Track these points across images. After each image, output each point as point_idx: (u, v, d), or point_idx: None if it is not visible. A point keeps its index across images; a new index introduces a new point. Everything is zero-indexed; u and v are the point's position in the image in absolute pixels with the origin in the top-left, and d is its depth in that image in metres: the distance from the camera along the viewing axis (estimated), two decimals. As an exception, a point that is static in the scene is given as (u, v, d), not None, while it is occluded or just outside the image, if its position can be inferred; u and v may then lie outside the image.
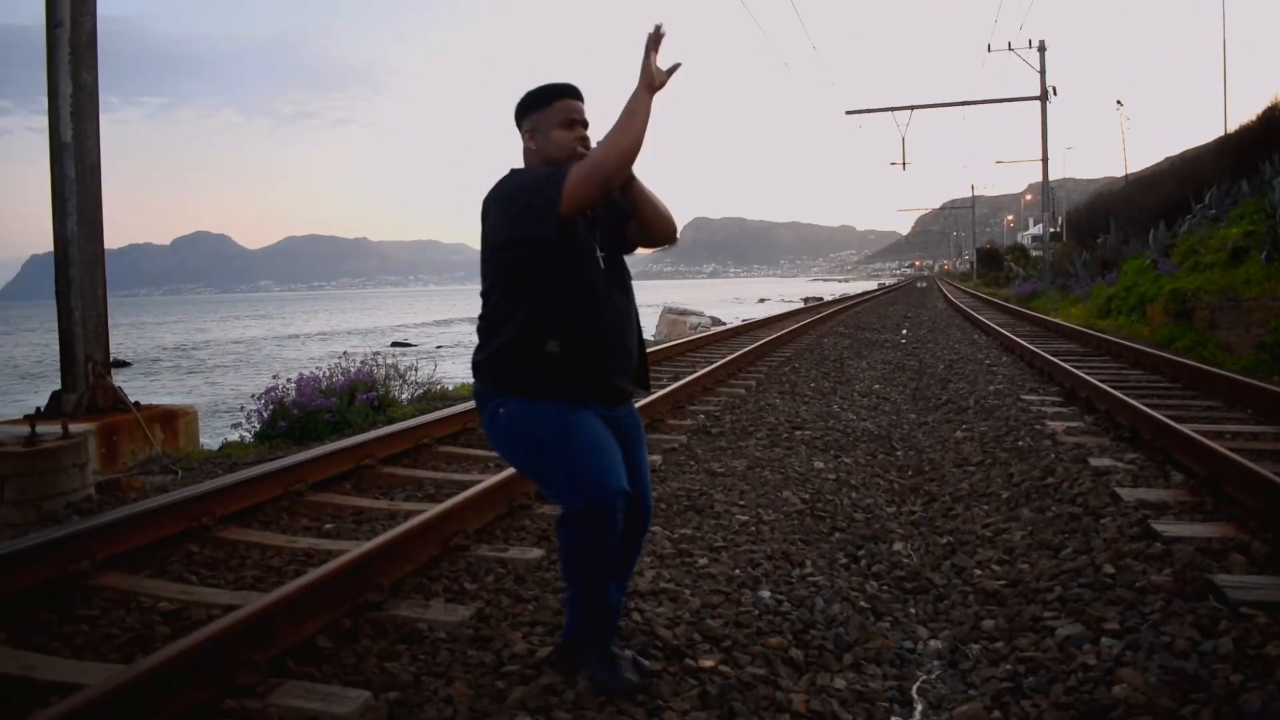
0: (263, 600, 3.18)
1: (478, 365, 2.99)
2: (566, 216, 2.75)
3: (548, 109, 2.94)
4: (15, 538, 4.57)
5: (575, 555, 2.88)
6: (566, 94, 2.96)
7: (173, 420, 8.74)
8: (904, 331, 20.62)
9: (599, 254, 2.97)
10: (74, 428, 6.69)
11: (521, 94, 2.99)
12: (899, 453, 7.58)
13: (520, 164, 3.02)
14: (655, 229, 3.03)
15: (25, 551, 3.78)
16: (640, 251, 3.21)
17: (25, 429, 6.41)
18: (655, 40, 2.74)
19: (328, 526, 4.88)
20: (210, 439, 10.18)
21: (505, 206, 2.84)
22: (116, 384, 8.68)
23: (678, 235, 3.14)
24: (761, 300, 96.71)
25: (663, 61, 2.79)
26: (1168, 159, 45.80)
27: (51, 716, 2.42)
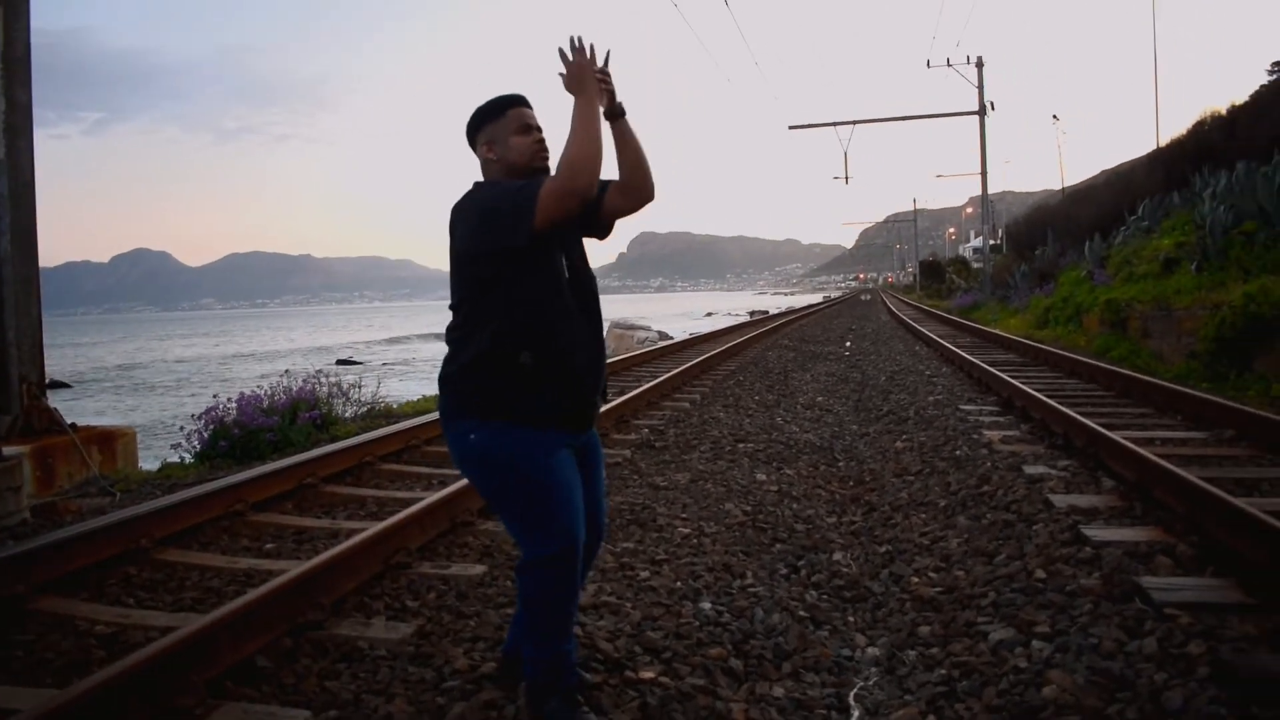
0: (201, 621, 3.17)
1: (446, 378, 2.93)
2: (541, 230, 2.73)
3: (502, 119, 2.95)
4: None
5: (543, 601, 2.85)
6: (517, 103, 2.98)
7: (111, 441, 8.61)
8: (848, 344, 20.83)
9: (563, 264, 2.92)
10: (7, 450, 6.58)
11: (472, 111, 3.01)
12: (840, 464, 7.67)
13: (480, 177, 3.00)
14: (635, 177, 2.94)
15: (-44, 577, 3.73)
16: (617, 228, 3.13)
17: (-43, 452, 6.30)
18: (579, 56, 2.82)
19: (269, 546, 4.85)
20: (149, 460, 10.05)
21: (477, 218, 2.83)
22: (52, 405, 8.55)
23: (654, 192, 3.04)
24: (708, 314, 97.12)
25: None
26: (1103, 172, 46.83)
27: (-16, 743, 2.40)
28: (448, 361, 2.95)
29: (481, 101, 3.02)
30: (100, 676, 2.76)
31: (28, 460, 7.24)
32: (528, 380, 2.80)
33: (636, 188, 2.96)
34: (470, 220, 2.84)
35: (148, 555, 4.54)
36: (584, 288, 2.99)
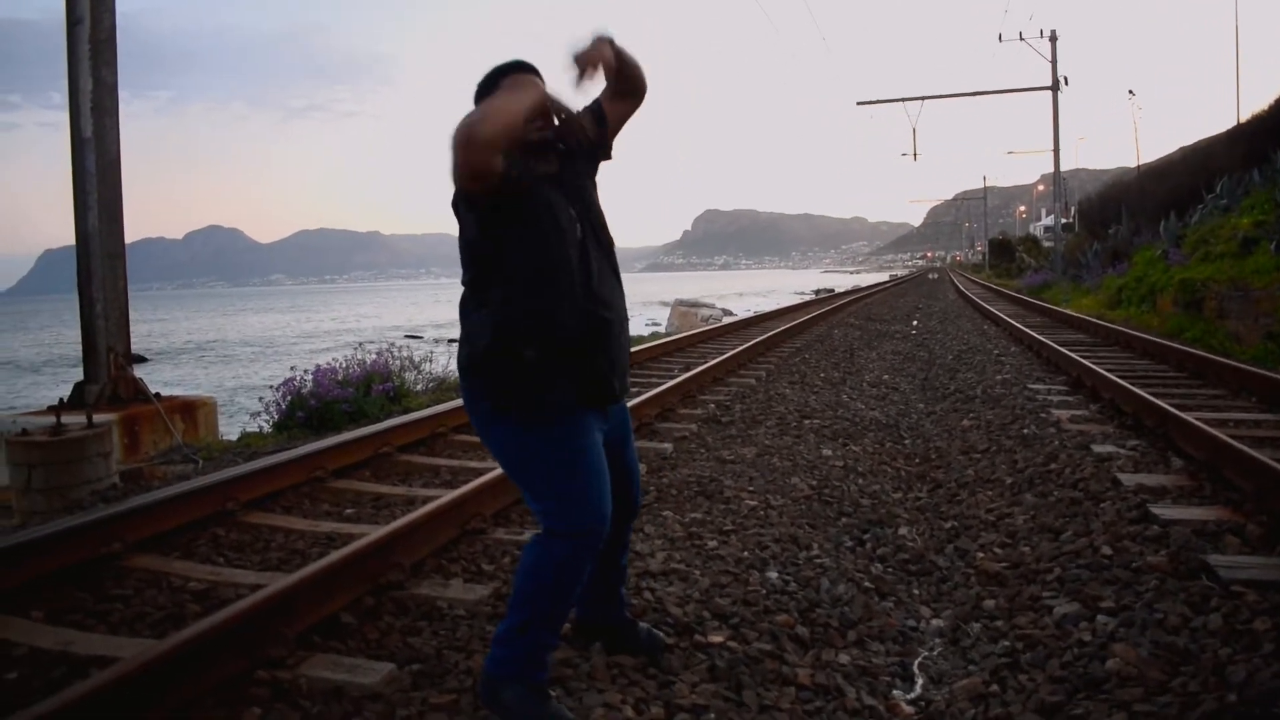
0: (290, 578, 3.32)
1: (462, 368, 2.80)
2: (464, 188, 2.59)
3: (495, 91, 2.72)
4: (46, 523, 4.73)
5: (552, 577, 2.72)
6: (510, 71, 2.78)
7: (192, 411, 8.91)
8: (914, 322, 20.69)
9: (571, 217, 2.74)
10: (98, 418, 6.86)
11: (482, 76, 2.83)
12: (906, 441, 7.69)
13: None
14: (628, 77, 2.85)
15: (61, 534, 3.93)
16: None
17: (51, 419, 6.58)
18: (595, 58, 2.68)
19: (348, 511, 5.03)
20: (228, 429, 10.35)
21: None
22: (137, 375, 8.85)
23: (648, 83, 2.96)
24: (772, 292, 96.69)
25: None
26: (1180, 149, 45.65)
27: (93, 686, 2.56)
28: (461, 344, 2.81)
29: (494, 65, 2.83)
30: (198, 628, 2.92)
31: (116, 427, 7.53)
32: (537, 375, 2.66)
33: (630, 88, 2.90)
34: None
35: (234, 517, 4.74)
36: (601, 247, 2.82)
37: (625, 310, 2.94)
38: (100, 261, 8.58)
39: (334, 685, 2.88)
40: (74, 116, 8.57)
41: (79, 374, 8.84)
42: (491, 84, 2.76)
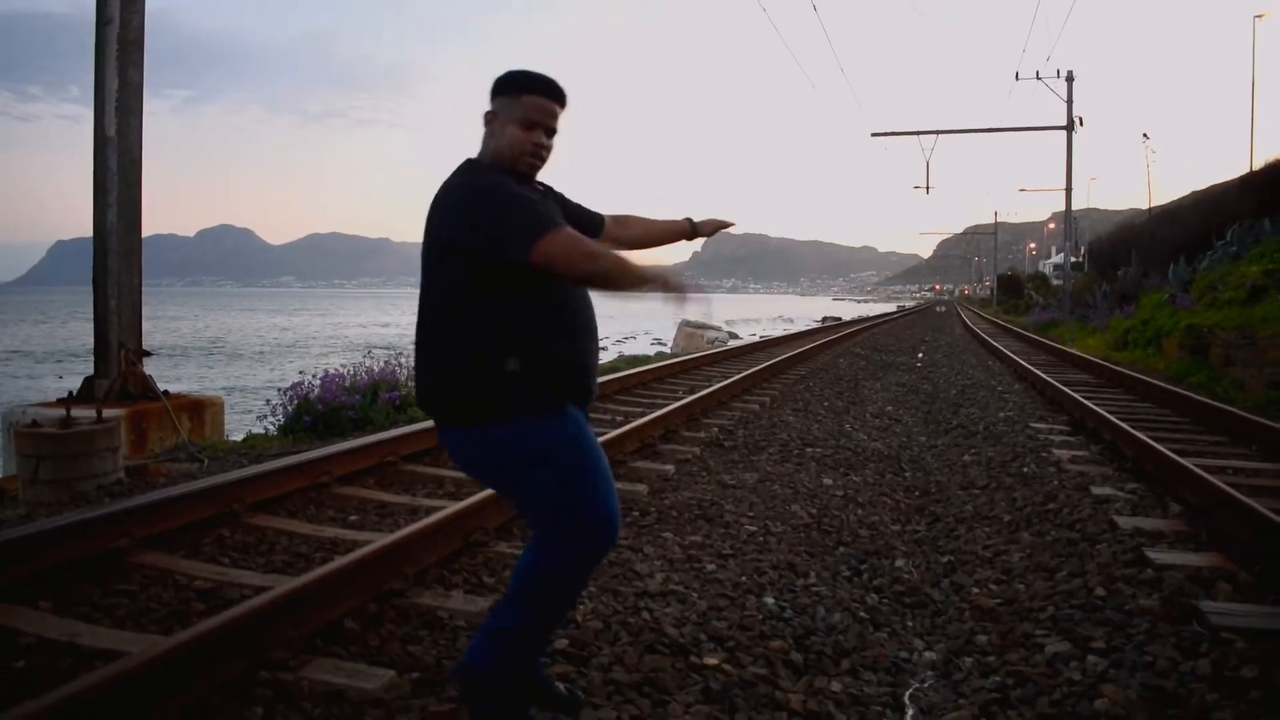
0: (295, 582, 3.39)
1: (433, 389, 2.65)
2: (535, 267, 2.43)
3: (515, 100, 2.61)
4: (53, 515, 4.80)
5: (561, 577, 2.63)
6: (540, 90, 2.63)
7: (200, 410, 8.97)
8: (920, 355, 20.74)
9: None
10: (106, 413, 6.93)
11: (501, 73, 2.69)
12: (907, 473, 7.73)
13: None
14: (631, 242, 3.04)
15: (70, 527, 4.00)
16: None
17: (61, 412, 6.64)
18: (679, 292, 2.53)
19: (353, 518, 5.09)
20: (233, 430, 10.41)
21: (477, 214, 2.47)
22: (146, 372, 8.93)
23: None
24: (779, 318, 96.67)
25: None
26: (1192, 193, 45.80)
27: (101, 679, 2.61)
28: (428, 369, 2.66)
29: (518, 69, 2.68)
30: (204, 625, 2.97)
31: (124, 423, 7.60)
32: (522, 383, 2.55)
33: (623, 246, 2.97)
34: (470, 215, 2.48)
35: (239, 519, 4.80)
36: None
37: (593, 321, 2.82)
38: (116, 258, 8.67)
39: (335, 689, 2.94)
40: (98, 114, 8.67)
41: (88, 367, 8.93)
42: (514, 88, 2.62)
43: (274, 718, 2.77)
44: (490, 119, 2.66)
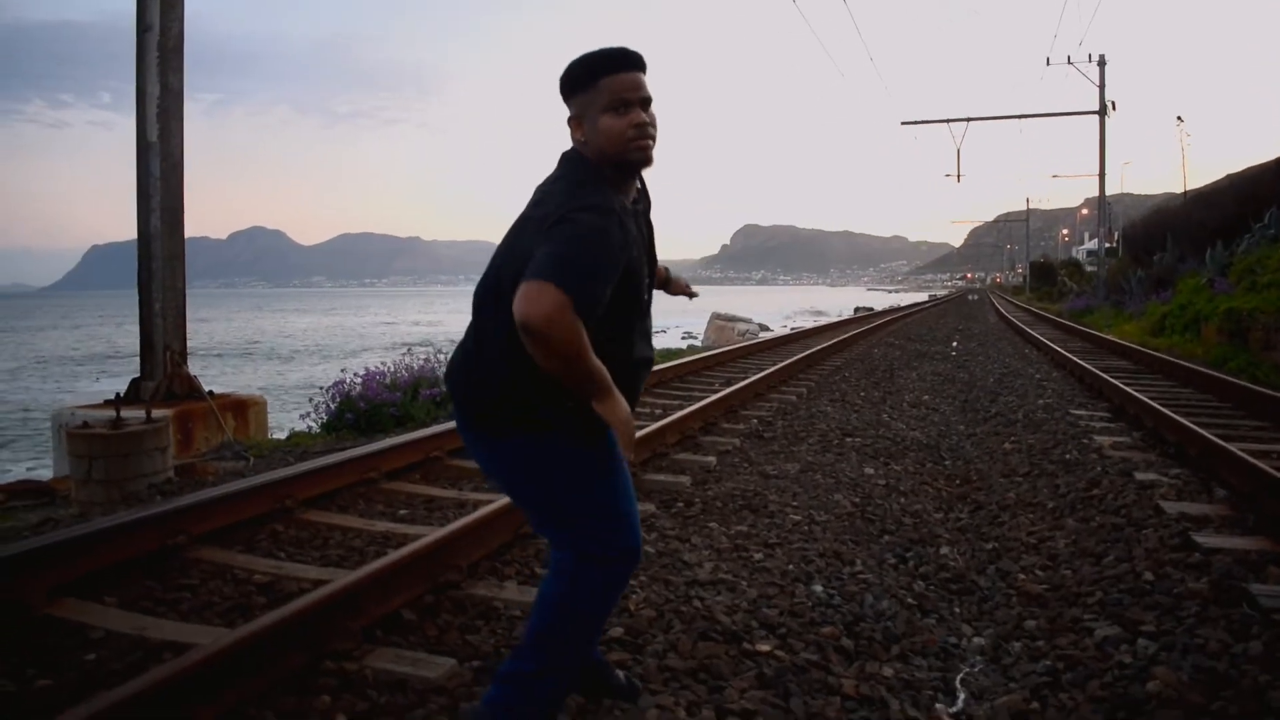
0: (354, 575, 3.46)
1: (472, 388, 2.54)
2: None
3: (593, 88, 2.38)
4: (106, 515, 4.91)
5: (588, 608, 2.53)
6: (616, 65, 2.37)
7: (244, 409, 9.12)
8: (954, 344, 20.66)
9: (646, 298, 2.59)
10: (154, 413, 7.06)
11: (564, 68, 2.44)
12: (947, 462, 7.74)
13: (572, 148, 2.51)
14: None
15: (130, 524, 4.09)
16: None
17: (110, 413, 6.78)
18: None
19: (402, 512, 5.17)
20: (274, 428, 10.55)
21: (564, 247, 2.23)
22: (191, 373, 9.07)
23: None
24: (811, 309, 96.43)
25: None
26: (1228, 176, 45.24)
27: (173, 670, 2.68)
28: (466, 368, 2.56)
29: (579, 57, 2.42)
30: (270, 618, 3.05)
31: (170, 423, 7.74)
32: (555, 395, 2.39)
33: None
34: (560, 246, 2.23)
35: (292, 515, 4.89)
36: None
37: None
38: (161, 263, 8.82)
39: (398, 677, 3.01)
40: (140, 121, 8.82)
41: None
42: (587, 76, 2.39)
43: (340, 705, 2.83)
44: (575, 124, 2.44)
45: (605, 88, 2.35)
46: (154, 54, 8.70)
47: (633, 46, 2.40)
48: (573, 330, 2.17)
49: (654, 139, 2.41)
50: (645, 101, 2.38)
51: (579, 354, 2.20)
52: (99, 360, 46.17)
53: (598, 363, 2.26)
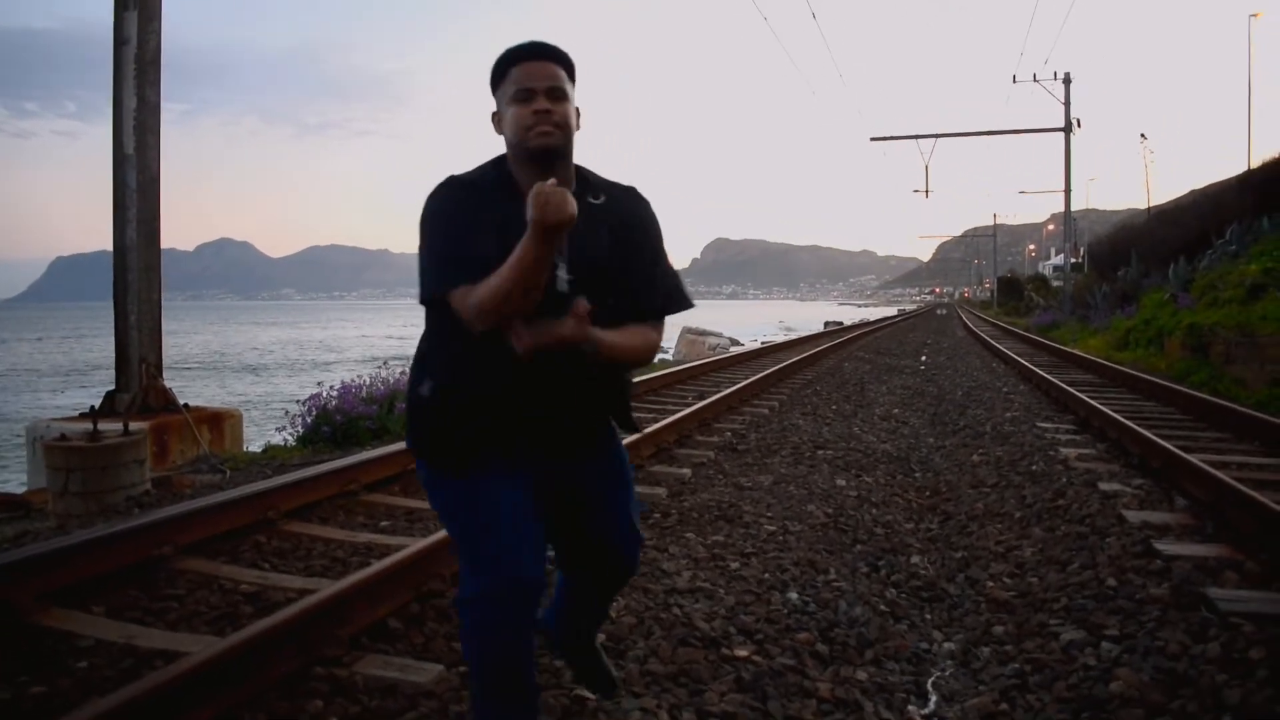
0: (341, 584, 3.53)
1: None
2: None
3: (505, 80, 2.31)
4: (85, 527, 4.95)
5: (470, 654, 2.43)
6: (525, 56, 2.30)
7: (219, 422, 9.13)
8: (923, 358, 20.90)
9: (563, 277, 2.27)
10: (132, 426, 7.08)
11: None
12: (917, 474, 7.89)
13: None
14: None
15: (116, 535, 4.14)
16: None
17: (86, 426, 6.79)
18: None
19: (384, 524, 5.24)
20: (249, 442, 10.56)
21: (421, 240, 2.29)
22: (167, 385, 9.08)
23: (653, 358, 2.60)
24: (781, 323, 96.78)
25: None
26: (1191, 193, 45.98)
27: (168, 676, 2.75)
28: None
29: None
30: (260, 626, 3.12)
31: (147, 435, 7.75)
32: (430, 416, 2.35)
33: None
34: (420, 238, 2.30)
35: (275, 526, 4.94)
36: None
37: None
38: (136, 275, 8.83)
39: (388, 682, 3.08)
40: (117, 133, 8.84)
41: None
42: (498, 70, 2.33)
43: (333, 709, 2.91)
44: (495, 119, 2.36)
45: (513, 78, 2.28)
46: (131, 67, 8.73)
47: (563, 47, 2.34)
48: (468, 309, 2.16)
49: (560, 128, 2.26)
50: (552, 91, 2.27)
51: (487, 310, 2.12)
52: (63, 374, 45.77)
53: (492, 283, 2.09)
